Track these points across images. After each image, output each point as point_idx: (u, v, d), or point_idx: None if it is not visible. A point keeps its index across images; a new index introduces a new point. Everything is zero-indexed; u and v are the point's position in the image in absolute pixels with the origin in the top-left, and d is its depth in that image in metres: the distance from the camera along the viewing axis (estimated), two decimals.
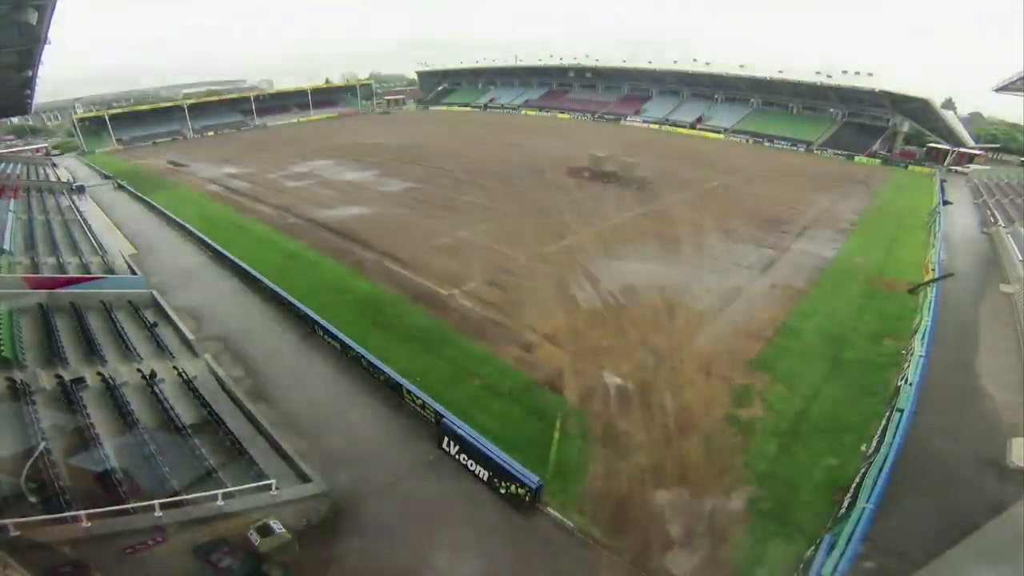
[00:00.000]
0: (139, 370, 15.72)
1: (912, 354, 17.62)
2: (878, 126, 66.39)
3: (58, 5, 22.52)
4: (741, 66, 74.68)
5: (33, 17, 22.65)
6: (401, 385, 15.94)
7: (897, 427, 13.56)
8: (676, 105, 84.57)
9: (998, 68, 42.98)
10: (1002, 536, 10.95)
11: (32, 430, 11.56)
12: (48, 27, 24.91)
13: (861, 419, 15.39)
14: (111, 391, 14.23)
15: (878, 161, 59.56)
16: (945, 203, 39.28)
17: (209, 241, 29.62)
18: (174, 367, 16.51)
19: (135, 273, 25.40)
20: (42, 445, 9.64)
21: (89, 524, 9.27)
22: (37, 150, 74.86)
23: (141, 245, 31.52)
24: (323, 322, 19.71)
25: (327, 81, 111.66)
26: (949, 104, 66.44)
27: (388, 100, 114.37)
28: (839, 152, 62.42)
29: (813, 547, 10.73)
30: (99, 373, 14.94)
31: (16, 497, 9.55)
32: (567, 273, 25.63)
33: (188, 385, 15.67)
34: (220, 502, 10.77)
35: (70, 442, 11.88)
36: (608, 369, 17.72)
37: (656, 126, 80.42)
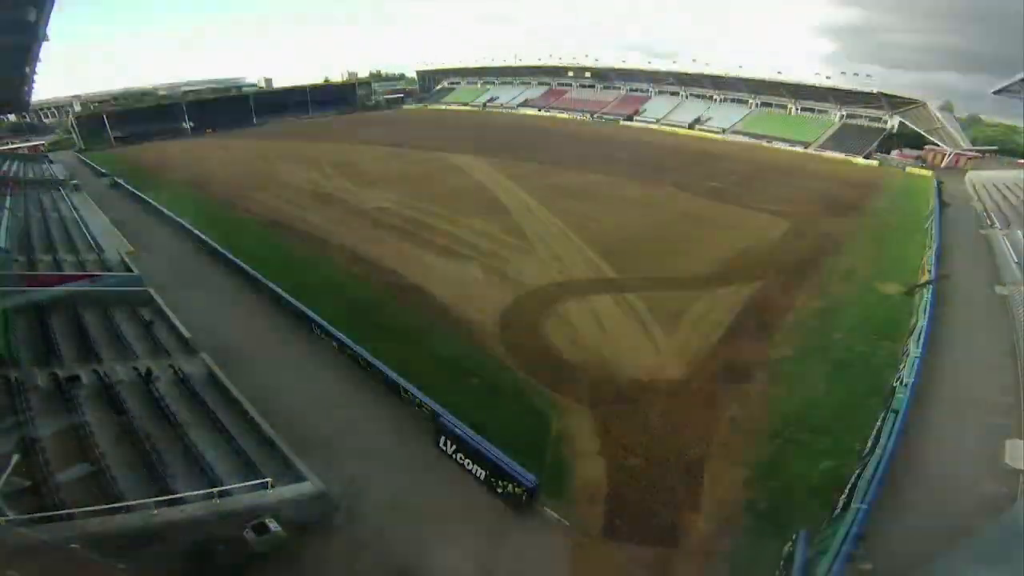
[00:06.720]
0: (135, 368, 15.67)
1: (908, 355, 17.69)
2: (876, 128, 66.52)
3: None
4: (740, 67, 74.88)
5: (32, 14, 22.49)
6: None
7: (892, 428, 13.62)
8: (675, 105, 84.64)
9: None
10: (997, 537, 10.99)
11: (27, 428, 11.54)
12: (47, 24, 24.74)
13: (857, 420, 15.39)
14: (106, 389, 14.19)
15: (875, 163, 59.67)
16: (942, 205, 39.35)
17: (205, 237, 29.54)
18: (170, 365, 16.46)
19: (131, 271, 25.29)
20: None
21: (85, 522, 9.25)
22: (34, 147, 74.49)
23: (137, 242, 31.33)
24: (321, 320, 19.67)
25: (326, 80, 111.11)
26: (947, 106, 66.56)
27: (386, 99, 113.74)
28: (837, 153, 62.50)
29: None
30: (95, 371, 14.90)
31: (11, 496, 9.52)
32: None
33: (184, 383, 15.63)
34: (216, 500, 10.76)
35: (65, 440, 11.85)
36: None
37: (655, 127, 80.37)
